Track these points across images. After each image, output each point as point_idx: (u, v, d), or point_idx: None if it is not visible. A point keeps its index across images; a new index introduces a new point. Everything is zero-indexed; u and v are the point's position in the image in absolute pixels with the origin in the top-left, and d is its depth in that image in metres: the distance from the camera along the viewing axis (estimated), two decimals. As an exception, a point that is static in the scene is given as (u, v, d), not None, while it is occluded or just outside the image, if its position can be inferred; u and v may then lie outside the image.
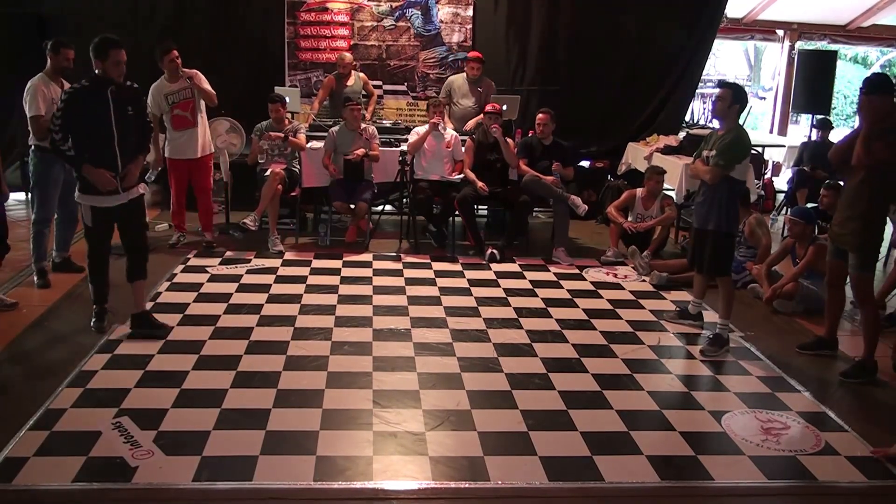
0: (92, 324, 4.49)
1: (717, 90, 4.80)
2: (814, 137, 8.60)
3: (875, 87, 4.05)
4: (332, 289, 5.41)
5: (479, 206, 7.21)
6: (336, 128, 6.66)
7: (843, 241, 4.25)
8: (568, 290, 5.62)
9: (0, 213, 4.74)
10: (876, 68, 16.85)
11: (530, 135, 7.09)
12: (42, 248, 5.31)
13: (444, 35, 8.14)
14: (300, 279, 5.62)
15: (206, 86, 6.11)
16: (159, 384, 3.81)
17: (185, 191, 6.36)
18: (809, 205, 7.30)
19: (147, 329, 4.43)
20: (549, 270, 6.13)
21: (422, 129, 6.67)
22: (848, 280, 4.39)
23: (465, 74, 7.37)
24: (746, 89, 4.96)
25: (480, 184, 6.39)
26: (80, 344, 4.26)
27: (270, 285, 5.45)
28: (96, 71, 4.15)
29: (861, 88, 4.11)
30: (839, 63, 9.58)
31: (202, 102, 6.16)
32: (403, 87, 8.26)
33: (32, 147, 5.18)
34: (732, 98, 4.47)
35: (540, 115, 6.59)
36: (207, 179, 6.43)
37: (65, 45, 5.14)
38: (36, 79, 5.11)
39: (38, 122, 5.03)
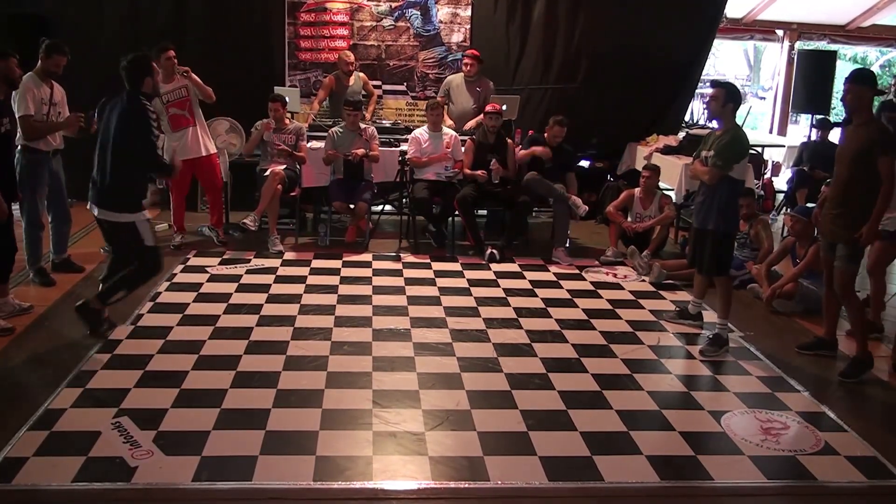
0: (102, 330, 4.42)
1: (709, 90, 4.81)
2: (813, 137, 8.60)
3: (861, 79, 4.17)
4: (331, 289, 5.41)
5: (479, 209, 7.20)
6: (336, 128, 6.65)
7: (834, 236, 4.28)
8: (568, 290, 5.62)
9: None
10: (875, 68, 16.86)
11: (530, 134, 7.13)
12: (38, 251, 5.27)
13: (443, 35, 8.14)
14: (300, 279, 5.62)
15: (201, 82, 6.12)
16: (159, 384, 3.81)
17: (187, 191, 6.35)
18: (809, 205, 7.30)
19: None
20: (548, 270, 6.13)
21: (420, 136, 6.65)
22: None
23: (462, 74, 7.37)
24: (745, 89, 4.98)
25: (480, 172, 6.39)
26: (80, 344, 4.26)
27: (270, 285, 5.45)
28: (139, 89, 4.31)
29: (847, 79, 4.22)
30: (839, 63, 9.57)
31: (197, 100, 6.15)
32: (403, 87, 8.26)
33: (19, 147, 5.03)
34: (725, 97, 4.47)
35: (558, 128, 6.52)
36: (216, 177, 6.43)
37: (59, 52, 5.07)
38: (26, 78, 4.97)
39: (27, 122, 4.95)
